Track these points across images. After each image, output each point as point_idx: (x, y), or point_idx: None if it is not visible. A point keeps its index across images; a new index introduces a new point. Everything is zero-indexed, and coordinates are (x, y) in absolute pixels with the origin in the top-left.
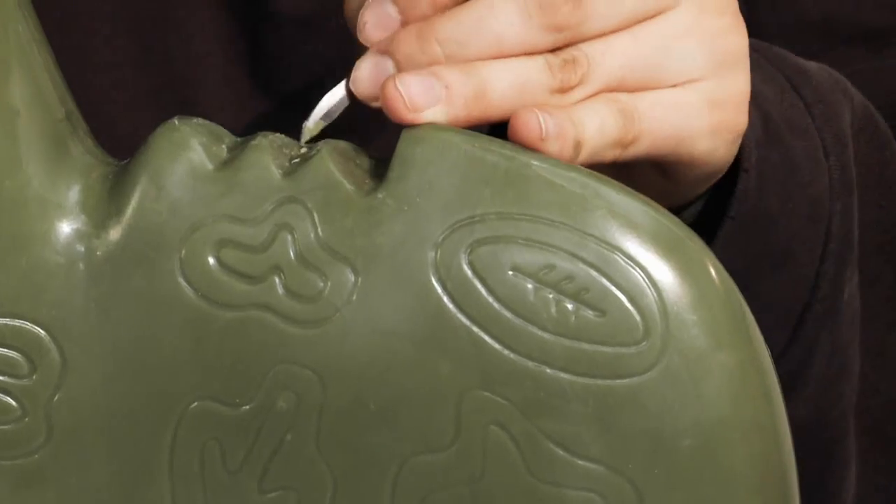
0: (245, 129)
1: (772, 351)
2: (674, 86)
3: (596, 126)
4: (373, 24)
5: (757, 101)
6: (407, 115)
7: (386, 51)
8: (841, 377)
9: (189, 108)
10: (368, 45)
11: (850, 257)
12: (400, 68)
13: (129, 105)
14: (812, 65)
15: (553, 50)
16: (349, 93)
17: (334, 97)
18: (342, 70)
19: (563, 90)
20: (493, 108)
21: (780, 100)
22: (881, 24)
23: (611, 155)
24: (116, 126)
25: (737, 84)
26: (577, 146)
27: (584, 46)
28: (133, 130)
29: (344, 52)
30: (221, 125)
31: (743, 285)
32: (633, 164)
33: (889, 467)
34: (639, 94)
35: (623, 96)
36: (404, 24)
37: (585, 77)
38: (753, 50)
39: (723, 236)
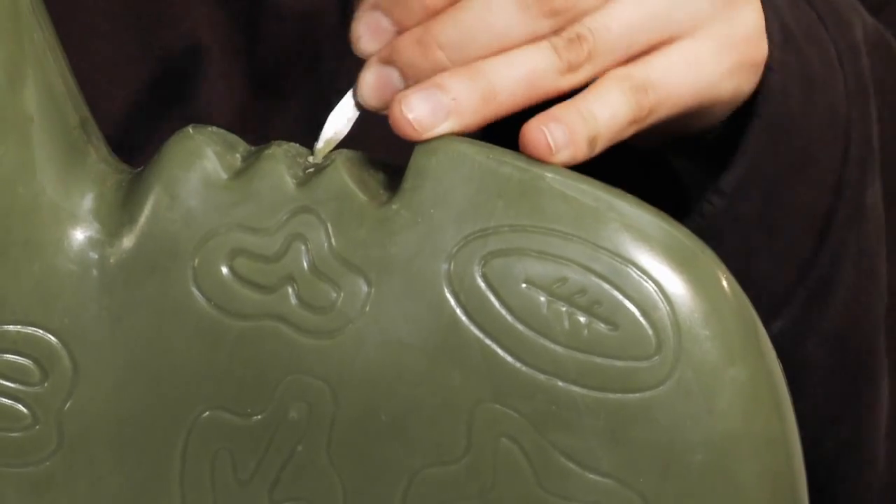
0: (245, 127)
1: (802, 258)
2: (683, 37)
3: (608, 115)
4: (367, 36)
5: (773, 10)
6: (418, 137)
7: (389, 60)
8: (870, 282)
9: (188, 104)
10: (364, 57)
11: (871, 162)
12: (404, 76)
13: (127, 101)
14: None
15: (557, 31)
16: (358, 105)
17: (341, 112)
18: (342, 64)
19: (572, 69)
20: (505, 106)
21: (793, 9)
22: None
23: (629, 132)
24: (115, 122)
25: (748, 19)
26: (593, 142)
27: (587, 21)
28: (131, 127)
29: (344, 46)
30: (220, 120)
31: (769, 193)
32: None
33: None
34: (649, 63)
35: (633, 70)
36: (399, 33)
37: (593, 51)
38: None
39: (751, 137)
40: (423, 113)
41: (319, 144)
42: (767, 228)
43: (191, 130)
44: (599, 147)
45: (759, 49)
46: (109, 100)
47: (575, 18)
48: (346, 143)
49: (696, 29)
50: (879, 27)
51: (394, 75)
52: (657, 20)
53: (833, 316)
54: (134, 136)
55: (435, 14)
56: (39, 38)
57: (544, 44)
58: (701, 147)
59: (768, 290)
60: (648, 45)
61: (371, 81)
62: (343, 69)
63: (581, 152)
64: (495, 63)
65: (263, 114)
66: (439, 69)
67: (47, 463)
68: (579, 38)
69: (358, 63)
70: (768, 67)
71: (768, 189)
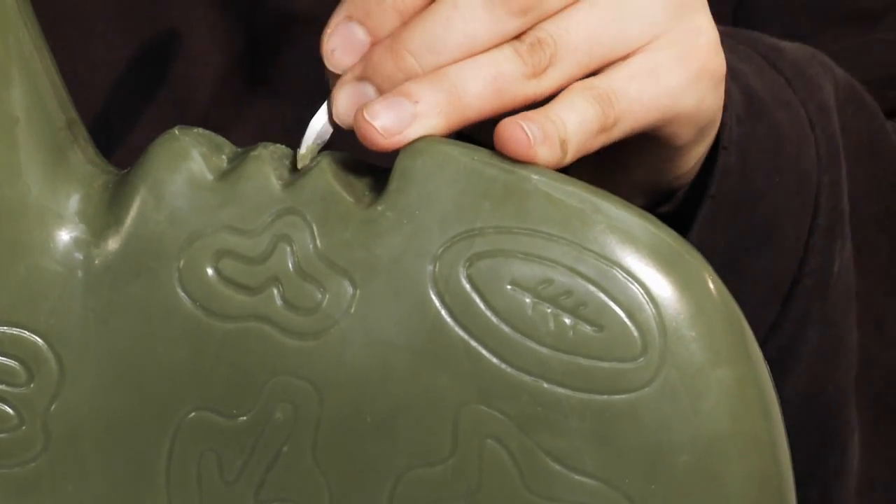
0: (241, 127)
1: (762, 326)
2: (641, 48)
3: (576, 121)
4: (341, 49)
5: (737, 78)
6: (385, 144)
7: (363, 76)
8: (836, 351)
9: (185, 107)
10: (338, 72)
11: (839, 229)
12: (381, 91)
13: (125, 104)
14: (786, 43)
15: (520, 35)
16: (332, 122)
17: (321, 120)
18: None
19: (536, 74)
20: (471, 110)
21: (760, 76)
22: (871, 5)
23: (597, 142)
24: (112, 125)
25: (701, 27)
26: (564, 145)
27: (547, 26)
28: (129, 129)
29: None
30: (218, 123)
31: (729, 261)
32: (626, 139)
33: (895, 438)
34: (611, 74)
35: (597, 81)
36: (373, 44)
37: (555, 56)
38: (725, 35)
39: (703, 215)
40: (388, 120)
41: (302, 149)
42: None
43: (177, 132)
44: (570, 153)
45: (718, 59)
46: (106, 102)
47: (538, 19)
48: (334, 145)
49: (652, 41)
50: (850, 79)
51: (369, 91)
52: (613, 28)
53: (796, 383)
54: (130, 139)
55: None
56: (25, 39)
57: (507, 49)
58: (674, 213)
59: None
60: (606, 55)
61: (345, 99)
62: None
63: (556, 153)
64: (460, 68)
65: (261, 116)
66: (412, 76)
67: (33, 464)
68: (540, 42)
69: None
70: (722, 147)
71: (725, 261)
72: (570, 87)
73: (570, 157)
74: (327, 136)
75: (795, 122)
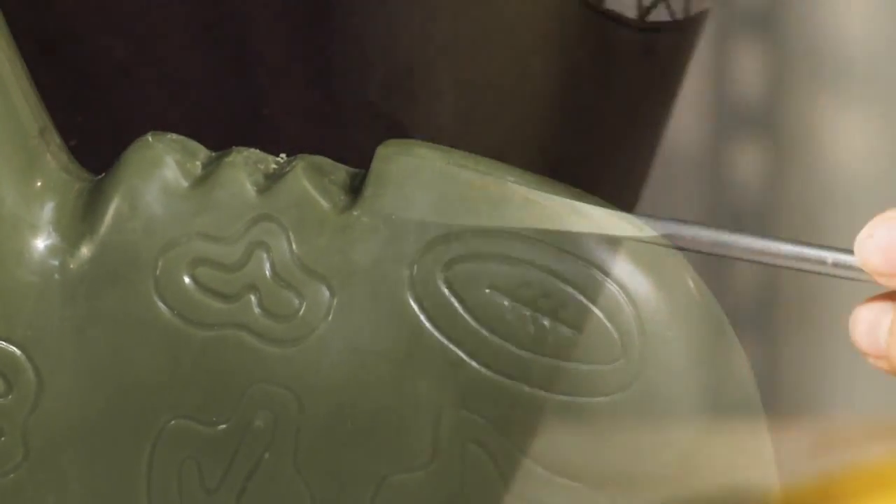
0: (232, 121)
1: None
2: None
3: None
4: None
5: None
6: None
7: None
8: None
9: (241, 46)
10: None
11: None
12: None
13: (182, 44)
14: None
15: None
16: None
17: None
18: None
19: None
20: None
21: None
22: None
23: None
24: (168, 65)
25: None
26: None
27: None
28: (185, 68)
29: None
30: (211, 120)
31: None
32: None
33: None
34: None
35: None
36: None
37: None
38: None
39: None
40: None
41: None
42: None
43: (150, 138)
44: None
45: None
46: (164, 43)
47: None
48: (306, 149)
49: None
50: None
51: None
52: None
53: None
54: (186, 80)
55: None
56: None
57: None
58: None
59: None
60: None
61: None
62: None
63: None
64: None
65: (252, 113)
66: None
67: (13, 475)
68: None
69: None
70: None
71: None
72: None
73: None
74: None
75: None
